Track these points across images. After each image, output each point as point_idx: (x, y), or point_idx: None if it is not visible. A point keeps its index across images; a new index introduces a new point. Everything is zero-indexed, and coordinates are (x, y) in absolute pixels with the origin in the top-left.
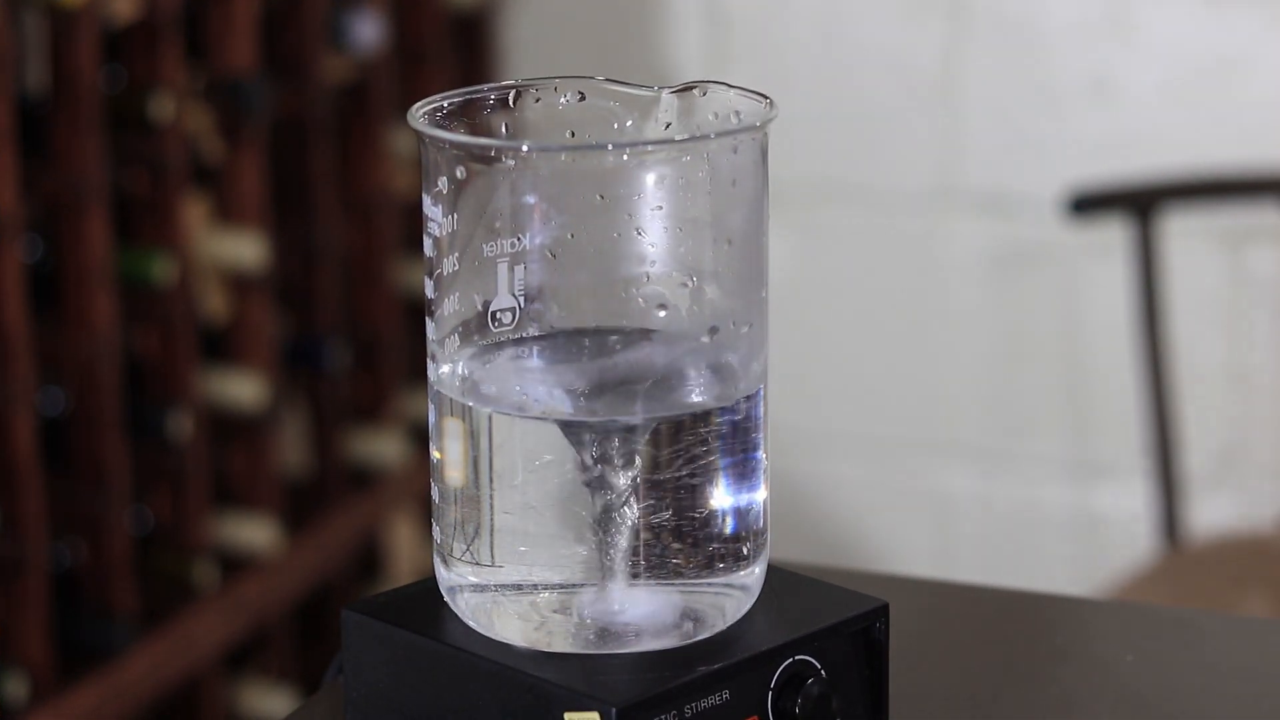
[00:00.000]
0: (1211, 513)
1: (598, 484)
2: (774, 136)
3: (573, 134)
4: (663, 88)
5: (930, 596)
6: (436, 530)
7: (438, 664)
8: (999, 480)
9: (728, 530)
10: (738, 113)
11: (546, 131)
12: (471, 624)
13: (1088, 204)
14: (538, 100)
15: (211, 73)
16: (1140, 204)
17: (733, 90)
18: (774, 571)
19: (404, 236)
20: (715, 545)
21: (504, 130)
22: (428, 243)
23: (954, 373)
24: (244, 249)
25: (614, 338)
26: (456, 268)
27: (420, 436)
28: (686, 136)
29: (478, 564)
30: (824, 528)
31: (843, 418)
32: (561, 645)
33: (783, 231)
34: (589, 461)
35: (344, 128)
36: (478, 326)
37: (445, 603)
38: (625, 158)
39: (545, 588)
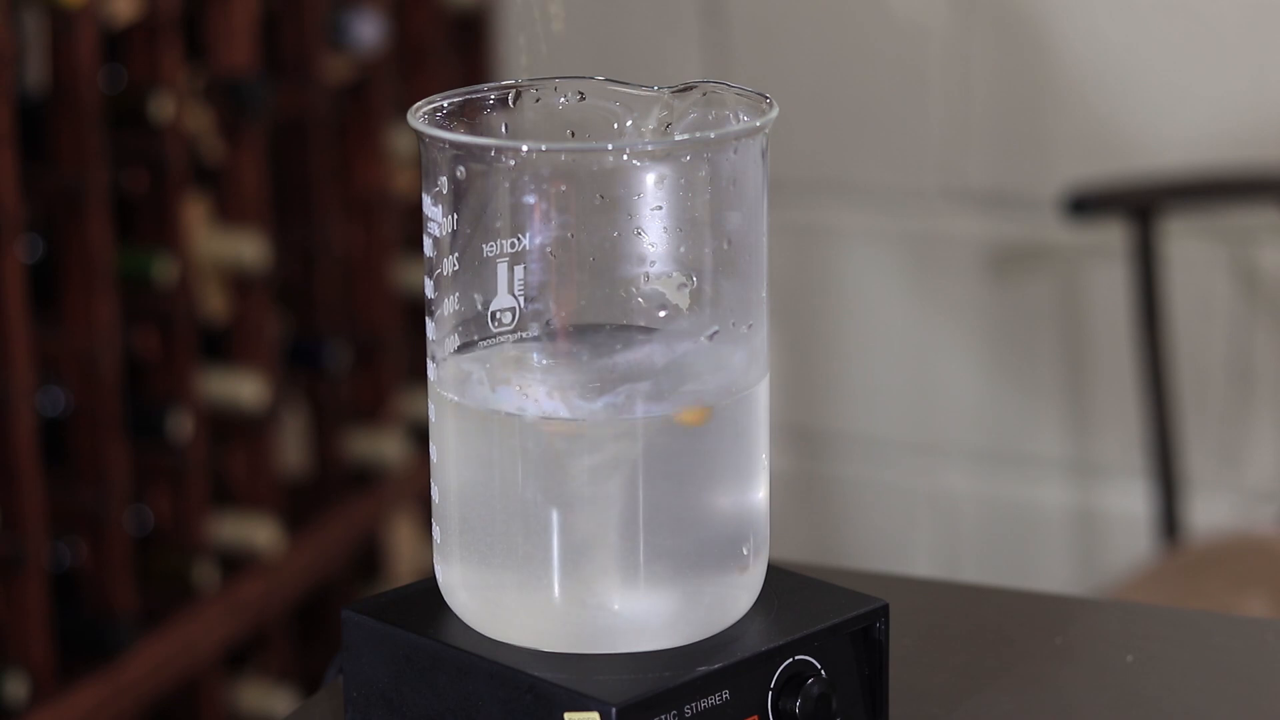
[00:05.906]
0: (1211, 513)
1: (597, 484)
2: (774, 136)
3: (573, 134)
4: (663, 88)
5: (930, 596)
6: (436, 530)
7: (438, 664)
8: (999, 480)
9: (728, 530)
10: (738, 113)
11: (546, 131)
12: (471, 624)
13: (1088, 204)
14: (538, 100)
15: (211, 73)
16: (1140, 204)
17: (732, 90)
18: (774, 571)
19: (404, 236)
20: (715, 545)
21: (504, 130)
22: (428, 243)
23: (954, 373)
24: (244, 249)
25: (614, 338)
26: (456, 268)
27: (420, 436)
28: (686, 136)
29: (478, 564)
30: (824, 528)
31: (843, 418)
32: (561, 645)
33: (783, 231)
34: (589, 461)
35: (344, 128)
36: (478, 326)
37: (445, 603)
38: (625, 158)
39: (545, 587)
